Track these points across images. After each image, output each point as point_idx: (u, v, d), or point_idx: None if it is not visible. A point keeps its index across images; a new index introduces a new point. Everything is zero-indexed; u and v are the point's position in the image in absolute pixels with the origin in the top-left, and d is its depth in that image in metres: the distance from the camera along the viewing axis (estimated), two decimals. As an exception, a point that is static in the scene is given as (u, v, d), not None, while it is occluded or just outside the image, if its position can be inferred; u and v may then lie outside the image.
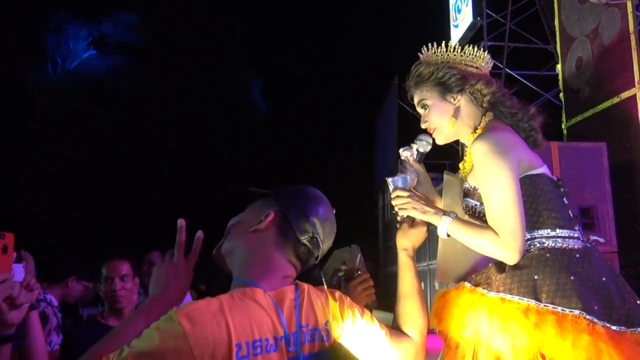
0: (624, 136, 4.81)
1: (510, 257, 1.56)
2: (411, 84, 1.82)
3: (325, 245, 1.42)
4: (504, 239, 1.55)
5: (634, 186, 4.65)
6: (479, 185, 1.69)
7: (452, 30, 9.13)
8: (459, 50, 1.80)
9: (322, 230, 1.38)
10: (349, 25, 15.96)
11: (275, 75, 16.14)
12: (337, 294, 1.40)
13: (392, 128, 9.77)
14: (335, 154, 15.08)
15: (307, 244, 1.36)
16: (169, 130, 14.56)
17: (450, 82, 1.75)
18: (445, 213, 1.65)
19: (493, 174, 1.60)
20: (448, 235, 1.66)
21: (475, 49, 1.81)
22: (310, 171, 13.73)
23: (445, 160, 7.54)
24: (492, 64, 1.86)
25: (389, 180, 1.74)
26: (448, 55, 1.79)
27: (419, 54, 1.85)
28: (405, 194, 1.69)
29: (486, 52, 1.84)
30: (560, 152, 4.24)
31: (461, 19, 8.74)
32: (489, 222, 1.61)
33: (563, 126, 5.89)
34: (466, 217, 1.79)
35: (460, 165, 1.84)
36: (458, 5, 8.90)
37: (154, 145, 14.28)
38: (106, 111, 14.62)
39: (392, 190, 1.73)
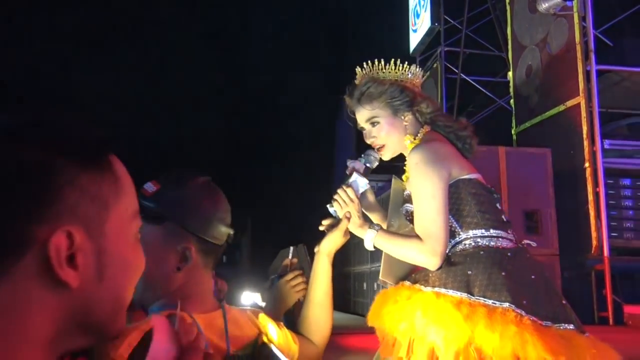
0: (569, 143, 4.98)
1: (432, 261, 1.63)
2: (359, 100, 1.85)
3: None
4: (427, 243, 1.62)
5: (577, 192, 4.82)
6: (411, 192, 1.77)
7: (411, 34, 9.26)
8: (407, 69, 1.88)
9: (230, 220, 1.32)
10: (309, 27, 16.00)
11: (237, 72, 16.07)
12: (259, 313, 1.40)
13: (351, 131, 9.84)
14: (296, 153, 15.11)
15: (228, 242, 1.31)
16: (135, 123, 14.32)
17: (404, 102, 1.82)
18: (370, 226, 1.73)
19: (423, 183, 1.68)
20: (375, 248, 1.73)
21: (416, 67, 1.90)
22: (271, 168, 13.69)
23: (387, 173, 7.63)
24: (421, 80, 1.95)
25: (350, 165, 1.81)
26: (396, 73, 1.86)
27: (358, 68, 1.89)
28: (352, 196, 1.76)
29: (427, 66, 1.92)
30: (507, 156, 4.38)
31: (420, 24, 8.88)
32: (415, 226, 1.69)
33: (513, 132, 6.06)
34: (405, 221, 1.87)
35: (404, 177, 1.91)
36: (417, 10, 9.03)
37: (121, 138, 14.00)
38: (72, 103, 14.27)
39: (346, 183, 1.80)
